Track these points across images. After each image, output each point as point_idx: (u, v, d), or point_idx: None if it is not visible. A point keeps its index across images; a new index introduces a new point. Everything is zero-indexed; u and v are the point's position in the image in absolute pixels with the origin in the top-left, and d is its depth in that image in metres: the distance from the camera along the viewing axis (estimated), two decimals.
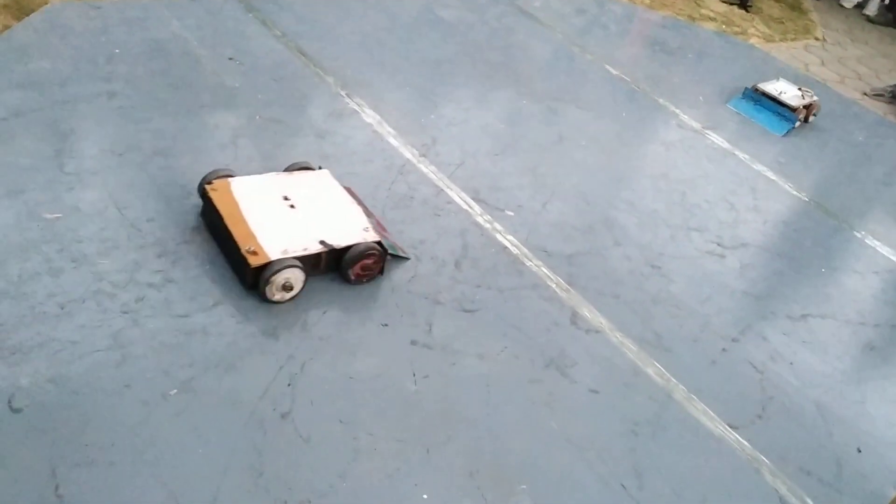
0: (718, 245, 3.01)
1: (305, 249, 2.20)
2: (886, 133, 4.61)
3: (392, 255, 2.38)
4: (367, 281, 2.32)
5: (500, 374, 2.17)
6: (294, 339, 2.06)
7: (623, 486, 1.96)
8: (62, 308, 1.97)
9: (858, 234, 3.41)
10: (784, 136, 4.04)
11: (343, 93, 3.19)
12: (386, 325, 2.21)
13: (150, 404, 1.81)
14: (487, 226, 2.71)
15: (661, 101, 4.04)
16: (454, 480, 1.85)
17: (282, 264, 2.11)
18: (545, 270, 2.59)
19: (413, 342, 2.18)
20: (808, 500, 2.09)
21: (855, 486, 2.18)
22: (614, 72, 4.21)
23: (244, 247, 2.14)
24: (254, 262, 2.11)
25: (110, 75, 2.87)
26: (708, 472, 2.08)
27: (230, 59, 3.17)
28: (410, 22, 4.02)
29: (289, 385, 1.94)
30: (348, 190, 2.51)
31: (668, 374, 2.33)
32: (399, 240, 2.51)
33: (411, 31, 3.92)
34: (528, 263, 2.60)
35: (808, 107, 4.21)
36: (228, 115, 2.85)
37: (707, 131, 3.87)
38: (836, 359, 2.64)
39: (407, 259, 2.45)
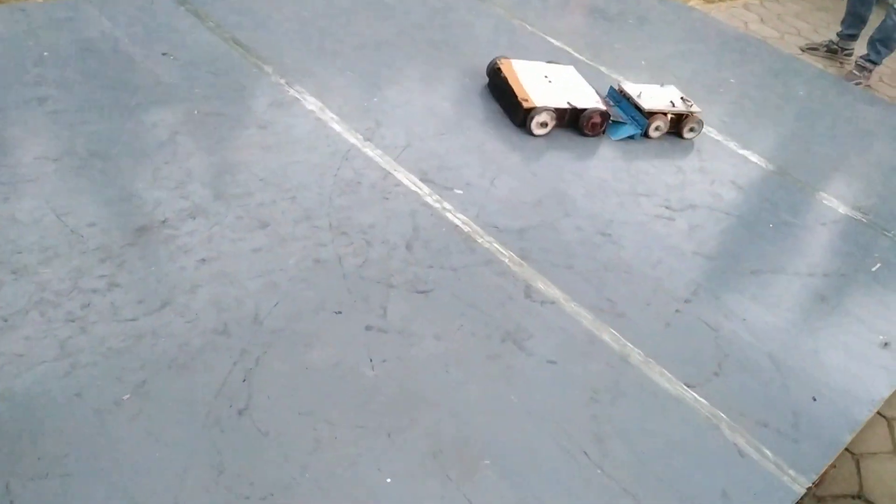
0: (667, 208, 3.04)
1: (557, 104, 3.30)
2: (826, 86, 4.69)
3: (614, 121, 3.42)
4: (594, 135, 3.38)
5: (457, 353, 2.17)
6: (246, 335, 2.04)
7: (586, 453, 1.99)
8: (5, 321, 1.92)
9: (804, 188, 3.47)
10: (617, 140, 3.45)
11: (283, 81, 3.15)
12: (339, 312, 2.19)
13: (102, 412, 1.78)
14: (437, 206, 2.70)
15: (602, 69, 4.06)
16: (417, 462, 1.85)
17: (542, 108, 3.23)
18: (497, 246, 2.60)
19: (368, 328, 2.17)
20: (767, 452, 2.13)
21: (811, 434, 2.23)
22: (556, 43, 4.21)
23: (520, 96, 3.25)
24: (526, 105, 3.23)
25: (40, 79, 2.79)
26: (668, 433, 2.11)
27: (164, 54, 3.10)
28: (348, 5, 3.97)
29: (244, 381, 1.93)
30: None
31: (624, 340, 2.36)
32: (348, 225, 2.49)
33: (349, 15, 3.87)
34: (480, 240, 2.60)
35: (678, 116, 3.51)
36: (166, 111, 2.79)
37: None
38: (787, 311, 2.69)
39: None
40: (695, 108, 3.54)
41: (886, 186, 3.70)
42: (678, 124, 3.54)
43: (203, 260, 2.23)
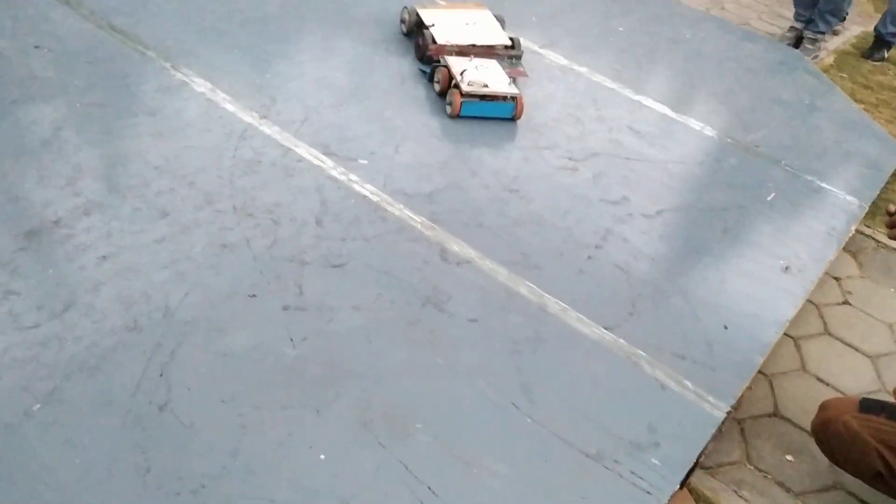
0: (570, 159, 3.08)
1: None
2: (710, 27, 4.82)
3: (428, 55, 3.42)
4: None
5: (378, 322, 2.16)
6: (158, 328, 1.98)
7: (514, 404, 2.01)
8: None
9: (699, 127, 3.57)
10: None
11: (168, 65, 3.02)
12: (253, 295, 2.15)
13: (13, 425, 1.70)
14: (343, 178, 2.66)
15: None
16: (349, 434, 1.84)
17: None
18: (408, 212, 2.58)
19: (285, 307, 2.14)
20: (686, 382, 2.21)
21: (725, 360, 2.33)
22: (443, 3, 4.18)
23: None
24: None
25: None
26: (591, 375, 2.17)
27: (36, 47, 2.93)
28: None
29: (161, 375, 1.87)
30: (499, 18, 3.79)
31: (541, 291, 2.39)
32: (252, 206, 2.43)
33: None
34: (390, 208, 2.59)
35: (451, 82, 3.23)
36: (45, 107, 2.64)
37: (544, 50, 3.93)
38: (693, 247, 2.78)
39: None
40: (464, 87, 3.13)
41: (773, 118, 3.85)
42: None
43: (104, 257, 2.14)
